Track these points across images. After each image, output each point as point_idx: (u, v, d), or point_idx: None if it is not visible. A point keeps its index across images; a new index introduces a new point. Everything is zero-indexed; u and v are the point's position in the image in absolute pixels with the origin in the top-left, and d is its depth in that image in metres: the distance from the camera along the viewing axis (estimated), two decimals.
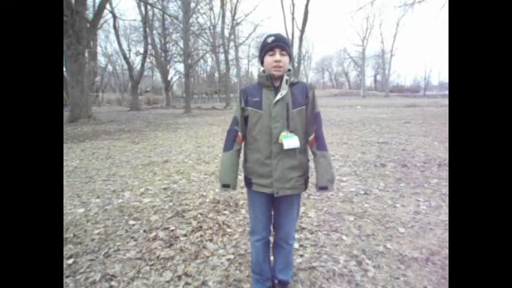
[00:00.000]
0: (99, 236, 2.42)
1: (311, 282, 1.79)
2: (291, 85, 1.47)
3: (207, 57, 35.20)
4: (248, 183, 1.56)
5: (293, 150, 1.44)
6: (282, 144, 1.42)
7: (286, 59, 1.44)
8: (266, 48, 1.44)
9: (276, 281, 1.70)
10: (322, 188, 1.50)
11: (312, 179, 1.56)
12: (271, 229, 1.67)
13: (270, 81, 1.46)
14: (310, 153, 1.56)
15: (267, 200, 1.56)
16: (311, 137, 1.51)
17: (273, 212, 1.62)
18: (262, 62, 1.50)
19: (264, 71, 1.49)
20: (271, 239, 1.71)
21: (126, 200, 3.23)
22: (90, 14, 17.04)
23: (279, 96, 1.43)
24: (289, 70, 1.48)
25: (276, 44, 1.42)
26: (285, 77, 1.44)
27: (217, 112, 19.31)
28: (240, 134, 1.53)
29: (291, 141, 1.41)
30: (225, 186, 1.55)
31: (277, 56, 1.42)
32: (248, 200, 1.65)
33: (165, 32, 26.91)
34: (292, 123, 1.44)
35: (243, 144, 1.58)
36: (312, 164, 1.54)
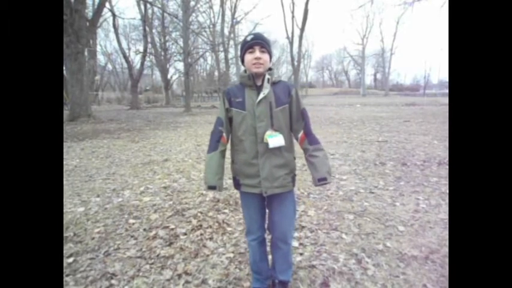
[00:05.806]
0: (99, 234, 2.42)
1: (311, 280, 1.80)
2: (273, 84, 1.47)
3: (207, 56, 35.13)
4: (236, 184, 1.56)
5: (279, 148, 1.44)
6: (267, 144, 1.41)
7: (266, 56, 1.44)
8: (246, 46, 1.44)
9: (277, 281, 1.70)
10: (321, 180, 1.46)
11: (304, 176, 1.56)
12: (266, 229, 1.66)
13: (252, 81, 1.45)
14: (296, 150, 1.55)
15: (259, 200, 1.56)
16: (300, 134, 1.51)
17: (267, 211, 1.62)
18: (243, 62, 1.49)
19: (245, 71, 1.48)
20: (268, 237, 1.70)
21: (126, 199, 3.23)
22: (89, 12, 16.98)
23: (261, 96, 1.42)
24: (270, 69, 1.47)
25: (255, 42, 1.42)
26: (267, 76, 1.44)
27: (217, 111, 19.10)
28: (224, 135, 1.52)
29: (276, 139, 1.41)
30: (211, 188, 1.50)
31: (257, 53, 1.41)
32: (241, 201, 1.65)
33: (164, 30, 26.81)
34: (276, 122, 1.44)
35: (228, 145, 1.56)
36: (302, 162, 1.53)
